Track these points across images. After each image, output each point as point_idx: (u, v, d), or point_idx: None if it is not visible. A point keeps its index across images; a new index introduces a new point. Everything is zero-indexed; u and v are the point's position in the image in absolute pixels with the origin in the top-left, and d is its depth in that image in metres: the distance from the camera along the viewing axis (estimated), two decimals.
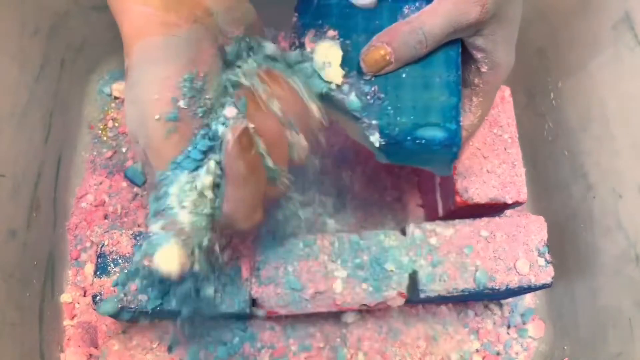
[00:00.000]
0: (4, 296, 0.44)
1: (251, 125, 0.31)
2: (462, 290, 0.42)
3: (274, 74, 0.34)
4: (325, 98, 0.36)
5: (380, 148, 0.36)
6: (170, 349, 0.48)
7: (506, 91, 0.50)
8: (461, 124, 0.36)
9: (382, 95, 0.36)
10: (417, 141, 0.36)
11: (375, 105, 0.36)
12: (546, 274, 0.43)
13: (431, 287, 0.42)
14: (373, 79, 0.36)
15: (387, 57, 0.35)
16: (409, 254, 0.43)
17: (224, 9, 0.32)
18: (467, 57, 0.38)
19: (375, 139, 0.35)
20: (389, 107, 0.36)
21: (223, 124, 0.31)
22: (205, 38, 0.31)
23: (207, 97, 0.31)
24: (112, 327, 0.50)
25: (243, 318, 0.49)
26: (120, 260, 0.42)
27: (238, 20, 0.34)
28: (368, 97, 0.36)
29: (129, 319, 0.49)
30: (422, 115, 0.36)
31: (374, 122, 0.35)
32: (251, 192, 0.32)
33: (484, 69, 0.38)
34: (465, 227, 0.44)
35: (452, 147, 0.36)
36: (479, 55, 0.37)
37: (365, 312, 0.51)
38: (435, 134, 0.35)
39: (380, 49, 0.35)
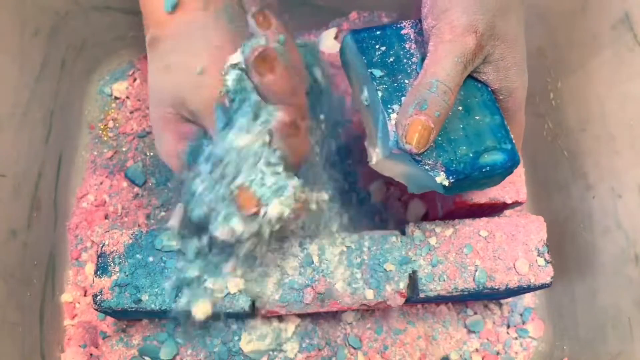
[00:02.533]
0: (4, 296, 0.44)
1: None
2: (462, 290, 0.42)
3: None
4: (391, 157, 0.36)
5: (448, 187, 0.35)
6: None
7: None
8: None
9: None
10: (483, 170, 0.35)
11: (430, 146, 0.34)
12: (545, 274, 0.43)
13: (431, 287, 0.42)
14: None
15: (428, 124, 0.33)
16: (408, 254, 0.43)
17: None
18: None
19: (442, 178, 0.34)
20: (444, 143, 0.35)
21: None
22: (239, 12, 0.34)
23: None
24: (112, 327, 0.50)
25: (243, 317, 0.49)
26: (120, 260, 0.42)
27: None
28: None
29: (129, 318, 0.50)
30: (477, 142, 0.35)
31: (436, 162, 0.34)
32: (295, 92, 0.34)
33: (501, 97, 0.37)
34: (464, 227, 0.44)
35: (513, 167, 0.35)
36: (494, 86, 0.36)
37: (365, 312, 0.51)
38: (496, 157, 0.35)
39: (416, 121, 0.33)
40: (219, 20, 0.34)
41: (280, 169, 0.34)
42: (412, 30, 0.38)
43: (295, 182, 0.35)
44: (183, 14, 0.33)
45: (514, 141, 0.36)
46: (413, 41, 0.37)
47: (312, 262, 0.42)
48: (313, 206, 0.37)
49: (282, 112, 0.33)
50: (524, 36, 0.37)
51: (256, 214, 0.33)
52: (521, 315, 0.54)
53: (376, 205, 0.55)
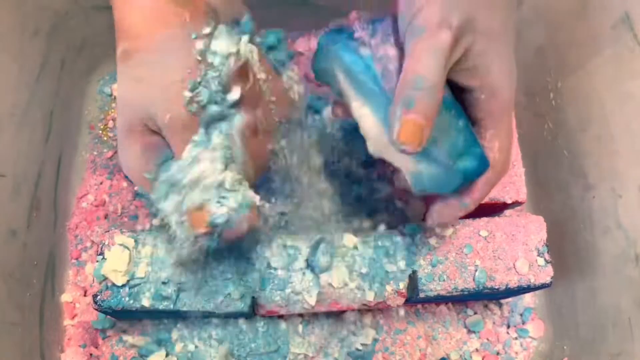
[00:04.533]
0: (4, 296, 0.44)
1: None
2: (462, 290, 0.42)
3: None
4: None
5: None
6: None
7: None
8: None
9: None
10: (464, 181, 0.35)
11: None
12: (545, 274, 0.43)
13: (431, 287, 0.42)
14: None
15: (418, 121, 0.32)
16: (408, 254, 0.43)
17: (224, 6, 0.35)
18: (465, 96, 0.36)
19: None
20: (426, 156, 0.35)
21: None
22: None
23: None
24: (112, 327, 0.50)
25: (243, 317, 0.49)
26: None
27: (233, 17, 0.36)
28: None
29: (129, 318, 0.50)
30: (450, 147, 0.35)
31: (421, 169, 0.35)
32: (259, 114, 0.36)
33: (482, 97, 0.35)
34: (464, 227, 0.44)
35: (485, 169, 0.35)
36: (474, 83, 0.35)
37: (365, 312, 0.51)
38: (468, 164, 0.35)
39: (406, 121, 0.32)
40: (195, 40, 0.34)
41: (238, 186, 0.36)
42: (387, 27, 0.37)
43: (252, 195, 0.36)
44: (162, 28, 0.33)
45: (486, 144, 0.35)
46: (388, 39, 0.37)
47: (312, 262, 0.42)
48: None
49: (247, 114, 0.35)
50: (513, 34, 0.35)
51: (207, 234, 0.35)
52: (521, 315, 0.54)
53: (376, 205, 0.55)
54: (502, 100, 0.35)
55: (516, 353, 0.52)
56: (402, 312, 0.52)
